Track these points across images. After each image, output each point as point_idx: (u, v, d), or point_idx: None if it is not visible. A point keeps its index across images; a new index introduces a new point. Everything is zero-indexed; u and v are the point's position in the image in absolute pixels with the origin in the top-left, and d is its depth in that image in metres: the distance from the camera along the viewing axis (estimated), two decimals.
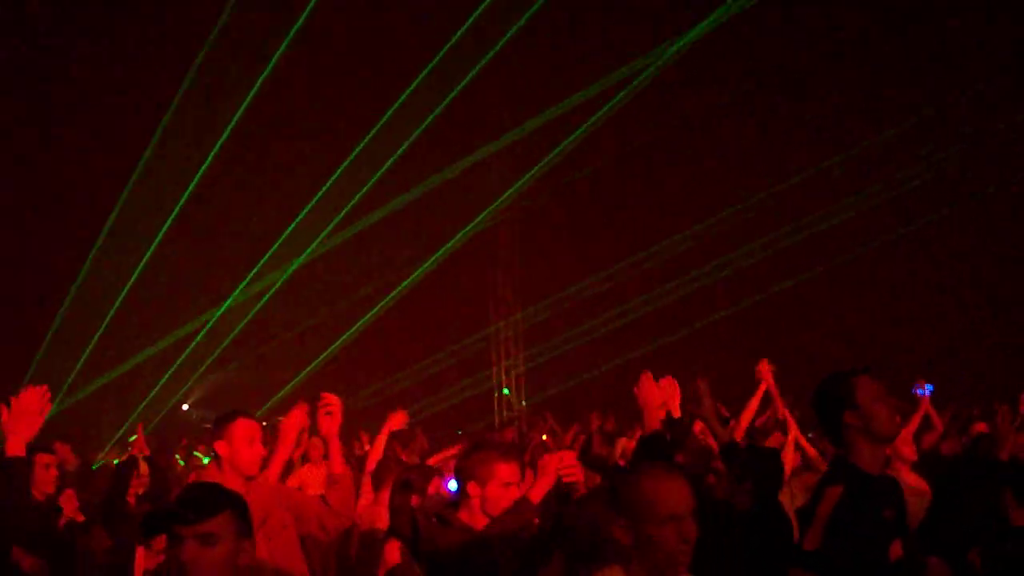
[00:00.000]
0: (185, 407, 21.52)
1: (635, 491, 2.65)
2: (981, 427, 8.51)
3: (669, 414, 4.68)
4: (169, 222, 16.92)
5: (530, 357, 19.53)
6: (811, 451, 6.95)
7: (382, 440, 6.83)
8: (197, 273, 18.40)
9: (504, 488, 3.53)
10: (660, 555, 2.59)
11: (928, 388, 8.50)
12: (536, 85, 17.17)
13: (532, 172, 17.68)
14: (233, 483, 3.69)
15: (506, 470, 3.55)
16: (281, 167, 17.56)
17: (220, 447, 4.11)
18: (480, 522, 3.50)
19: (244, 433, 4.11)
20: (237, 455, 4.08)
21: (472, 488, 3.53)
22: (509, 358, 19.53)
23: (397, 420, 6.83)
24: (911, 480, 6.29)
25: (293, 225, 17.26)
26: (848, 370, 3.35)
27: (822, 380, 3.40)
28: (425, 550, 3.53)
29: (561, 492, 3.94)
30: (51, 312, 17.81)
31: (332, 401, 4.38)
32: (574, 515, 3.69)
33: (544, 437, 12.73)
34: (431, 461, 6.63)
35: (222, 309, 18.13)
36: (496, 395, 19.48)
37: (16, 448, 3.69)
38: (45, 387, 3.78)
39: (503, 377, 19.44)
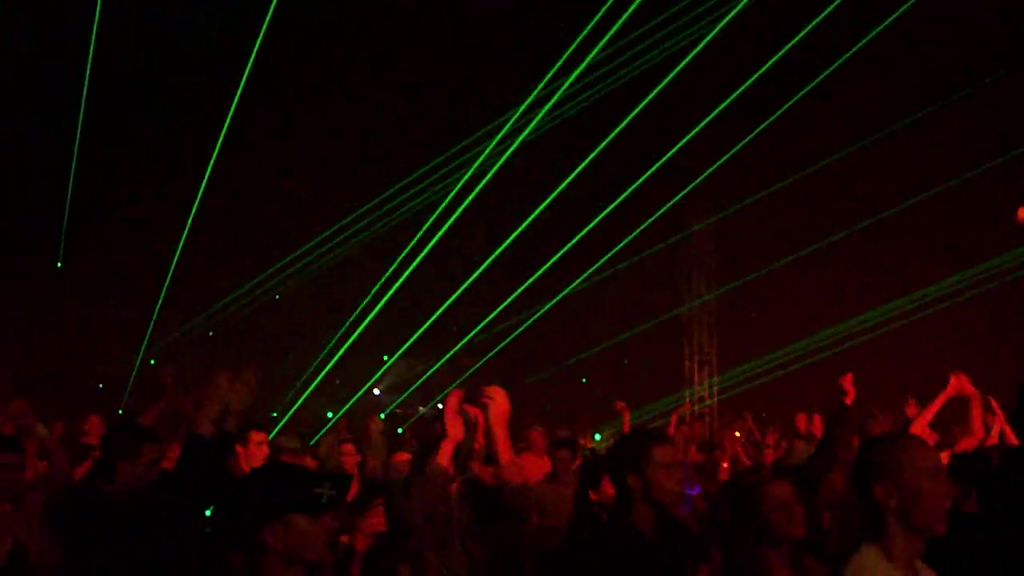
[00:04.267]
0: (376, 392, 22.03)
1: (894, 451, 2.70)
2: None
3: None
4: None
5: (723, 345, 18.73)
6: None
7: None
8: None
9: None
10: (924, 510, 2.62)
11: None
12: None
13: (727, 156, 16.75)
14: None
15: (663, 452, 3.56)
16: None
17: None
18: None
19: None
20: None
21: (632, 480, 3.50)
22: (702, 352, 18.88)
23: None
24: None
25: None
26: None
27: None
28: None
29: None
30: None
31: (493, 393, 4.19)
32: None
33: (737, 434, 12.06)
34: None
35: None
36: (688, 393, 18.78)
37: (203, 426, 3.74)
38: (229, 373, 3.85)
39: (694, 369, 18.76)
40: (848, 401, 5.31)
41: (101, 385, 19.65)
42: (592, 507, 4.66)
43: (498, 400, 4.15)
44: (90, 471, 4.93)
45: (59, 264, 18.72)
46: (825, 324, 17.02)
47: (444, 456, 4.38)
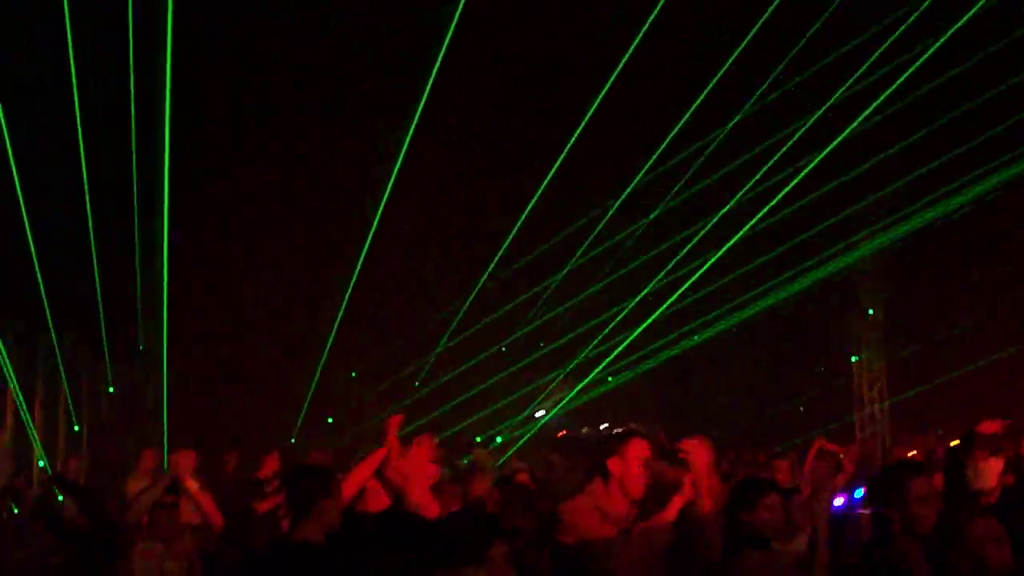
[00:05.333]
0: (539, 414, 22.15)
1: None
2: None
3: None
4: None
5: (892, 351, 18.07)
6: None
7: None
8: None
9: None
10: None
11: None
12: None
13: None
14: (617, 504, 3.86)
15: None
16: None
17: (613, 464, 3.99)
18: None
19: (639, 453, 3.98)
20: (629, 475, 3.95)
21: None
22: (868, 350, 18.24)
23: None
24: None
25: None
26: None
27: None
28: None
29: None
30: None
31: (689, 448, 4.07)
32: None
33: (913, 453, 11.52)
34: None
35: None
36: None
37: None
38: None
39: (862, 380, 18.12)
40: None
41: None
42: (752, 532, 4.39)
43: (700, 452, 4.04)
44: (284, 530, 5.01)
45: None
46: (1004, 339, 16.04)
47: (673, 511, 3.90)
